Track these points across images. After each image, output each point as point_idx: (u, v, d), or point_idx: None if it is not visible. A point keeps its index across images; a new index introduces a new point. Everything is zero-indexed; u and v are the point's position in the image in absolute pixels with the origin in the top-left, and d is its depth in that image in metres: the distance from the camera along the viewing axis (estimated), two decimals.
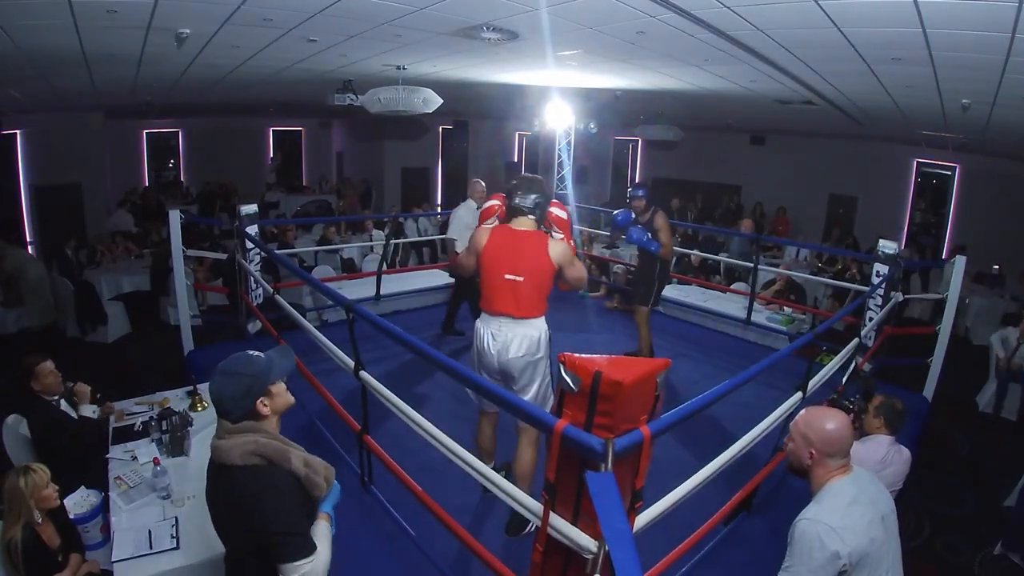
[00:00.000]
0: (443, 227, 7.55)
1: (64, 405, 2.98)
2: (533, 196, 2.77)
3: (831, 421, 1.67)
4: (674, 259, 5.82)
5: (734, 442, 2.40)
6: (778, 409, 2.71)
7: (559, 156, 7.86)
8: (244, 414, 1.53)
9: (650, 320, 4.77)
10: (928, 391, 4.55)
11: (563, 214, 2.89)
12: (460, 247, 5.14)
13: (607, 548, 1.35)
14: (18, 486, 2.14)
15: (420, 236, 9.26)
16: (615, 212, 4.72)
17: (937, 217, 9.56)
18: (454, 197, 11.91)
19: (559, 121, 7.60)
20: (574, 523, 1.71)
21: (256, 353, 1.59)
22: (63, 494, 2.35)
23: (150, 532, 2.29)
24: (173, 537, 2.28)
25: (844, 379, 3.62)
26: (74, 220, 9.12)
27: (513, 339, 2.68)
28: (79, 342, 6.12)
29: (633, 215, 4.60)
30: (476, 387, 2.21)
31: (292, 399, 1.63)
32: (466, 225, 5.18)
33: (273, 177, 12.18)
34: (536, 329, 2.72)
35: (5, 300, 6.25)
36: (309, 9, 3.31)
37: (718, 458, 2.26)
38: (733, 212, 10.97)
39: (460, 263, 2.94)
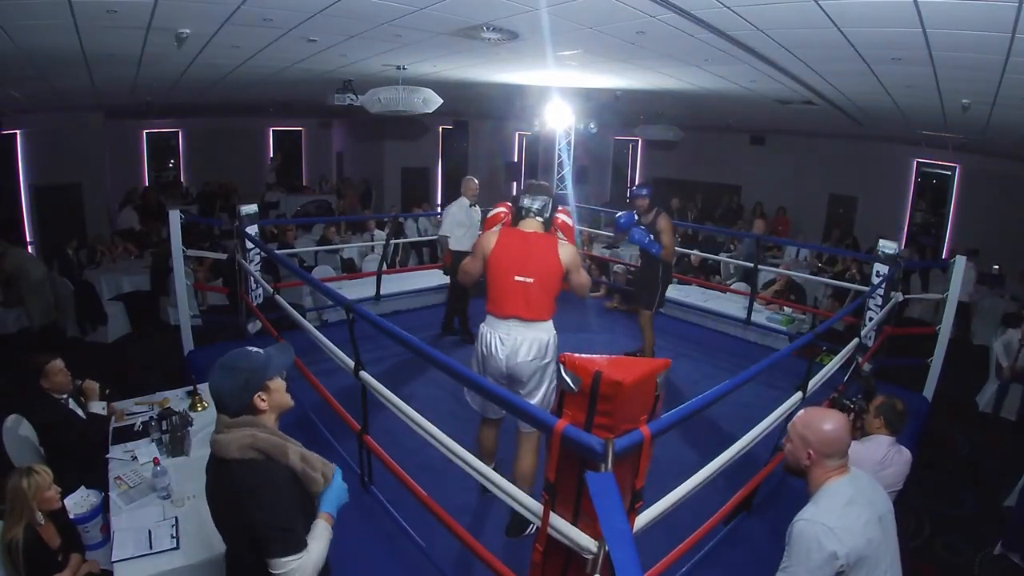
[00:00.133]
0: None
1: (71, 404, 2.98)
2: (542, 198, 2.79)
3: (829, 422, 1.67)
4: (675, 259, 5.82)
5: (734, 442, 2.40)
6: (778, 409, 2.71)
7: (559, 156, 7.87)
8: (242, 408, 1.54)
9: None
10: (928, 391, 4.55)
11: (570, 221, 2.91)
12: (453, 245, 5.15)
13: (607, 548, 1.36)
14: (21, 487, 2.14)
15: (420, 236, 9.26)
16: (618, 215, 4.71)
17: (937, 217, 9.56)
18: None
19: (559, 121, 7.61)
20: (574, 523, 1.71)
21: (255, 349, 1.61)
22: (63, 494, 2.35)
23: (150, 532, 2.29)
24: (173, 537, 2.28)
25: (845, 379, 3.62)
26: (74, 220, 9.11)
27: (522, 343, 2.66)
28: (79, 342, 6.13)
29: (636, 217, 4.59)
30: (477, 388, 2.20)
31: (290, 399, 1.64)
32: (458, 223, 5.18)
33: (273, 177, 12.18)
34: (546, 333, 2.71)
35: (5, 300, 6.25)
36: (309, 9, 3.31)
37: (718, 458, 2.26)
38: (734, 212, 10.97)
39: (465, 268, 2.89)
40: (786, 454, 1.74)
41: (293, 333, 4.02)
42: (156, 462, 2.63)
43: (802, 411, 1.77)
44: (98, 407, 3.05)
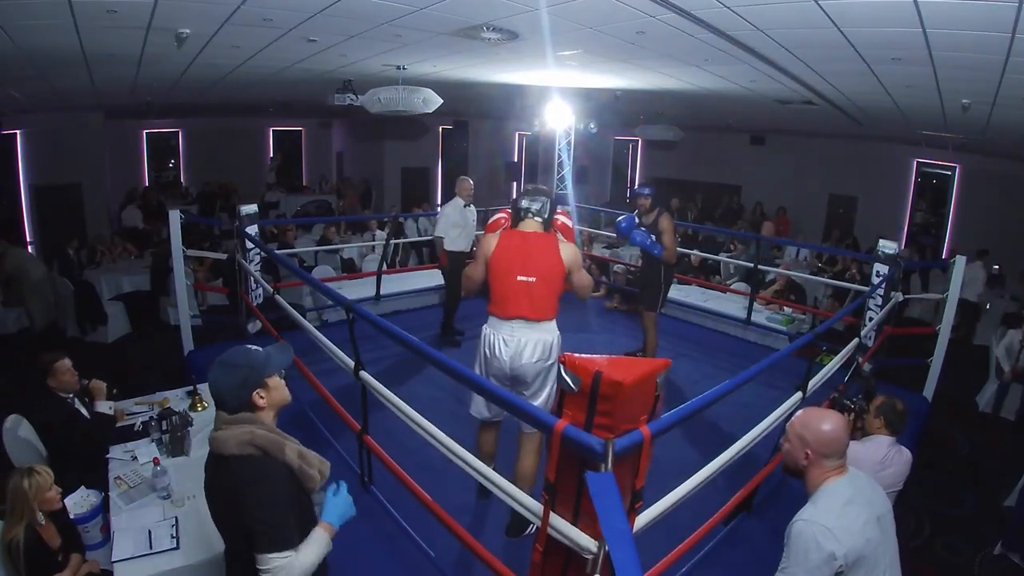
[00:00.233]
0: None
1: (76, 403, 2.98)
2: (540, 199, 2.80)
3: (827, 422, 1.67)
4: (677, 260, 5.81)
5: (734, 442, 2.40)
6: (778, 409, 2.71)
7: (559, 156, 7.87)
8: (240, 405, 1.55)
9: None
10: (928, 391, 4.55)
11: (569, 222, 2.93)
12: (448, 245, 5.14)
13: (607, 548, 1.36)
14: (22, 487, 2.14)
15: (420, 236, 9.26)
16: (619, 219, 4.70)
17: (937, 217, 9.56)
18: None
19: (559, 121, 7.60)
20: (574, 523, 1.71)
21: (255, 347, 1.62)
22: (64, 494, 2.35)
23: (150, 532, 2.30)
24: (173, 537, 2.28)
25: (846, 379, 3.62)
26: (74, 220, 9.12)
27: (527, 344, 2.65)
28: (79, 342, 6.12)
29: (637, 219, 4.58)
30: (477, 388, 2.20)
31: (289, 395, 1.65)
32: (453, 223, 5.16)
33: (273, 177, 12.18)
34: (549, 334, 2.71)
35: (6, 300, 6.25)
36: (309, 9, 3.30)
37: (718, 458, 2.26)
38: (734, 212, 10.96)
39: (468, 275, 2.88)
40: (784, 454, 1.74)
41: (293, 333, 4.02)
42: (156, 462, 2.63)
43: (800, 411, 1.77)
44: (105, 407, 3.06)
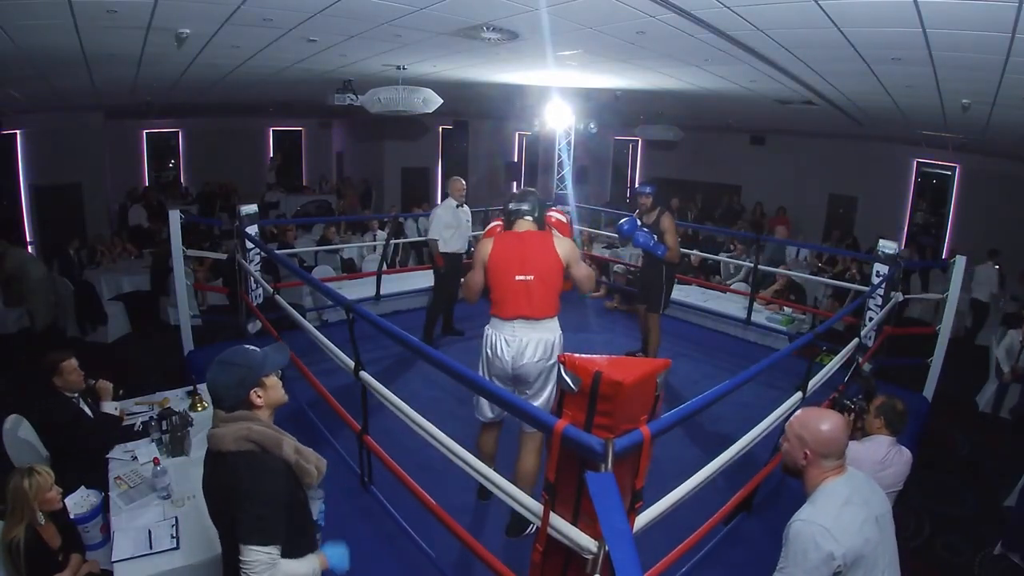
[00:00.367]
0: None
1: (81, 403, 2.98)
2: (529, 199, 2.83)
3: (826, 422, 1.67)
4: (683, 260, 5.81)
5: (734, 442, 2.39)
6: (778, 409, 2.70)
7: (559, 156, 7.86)
8: (238, 404, 1.58)
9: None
10: (928, 391, 4.55)
11: (562, 218, 2.94)
12: (442, 247, 5.12)
13: (607, 548, 1.36)
14: (22, 487, 2.14)
15: (420, 236, 9.25)
16: (620, 221, 4.69)
17: (937, 217, 9.56)
18: None
19: (559, 121, 7.60)
20: (574, 523, 1.71)
21: (252, 347, 1.66)
22: (64, 494, 2.35)
23: (150, 532, 2.30)
24: (173, 537, 2.28)
25: (846, 379, 3.62)
26: (74, 220, 9.12)
27: (528, 343, 2.66)
28: (79, 342, 6.12)
29: (638, 222, 4.57)
30: (477, 388, 2.20)
31: (285, 394, 1.68)
32: (445, 224, 5.12)
33: (273, 177, 12.18)
34: (551, 332, 2.72)
35: (6, 300, 6.26)
36: (309, 9, 3.31)
37: (718, 458, 2.26)
38: (735, 212, 10.96)
39: (468, 283, 2.89)
40: (783, 454, 1.74)
41: (293, 333, 4.02)
42: (156, 462, 2.63)
43: (799, 411, 1.77)
44: (110, 407, 3.07)
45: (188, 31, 3.72)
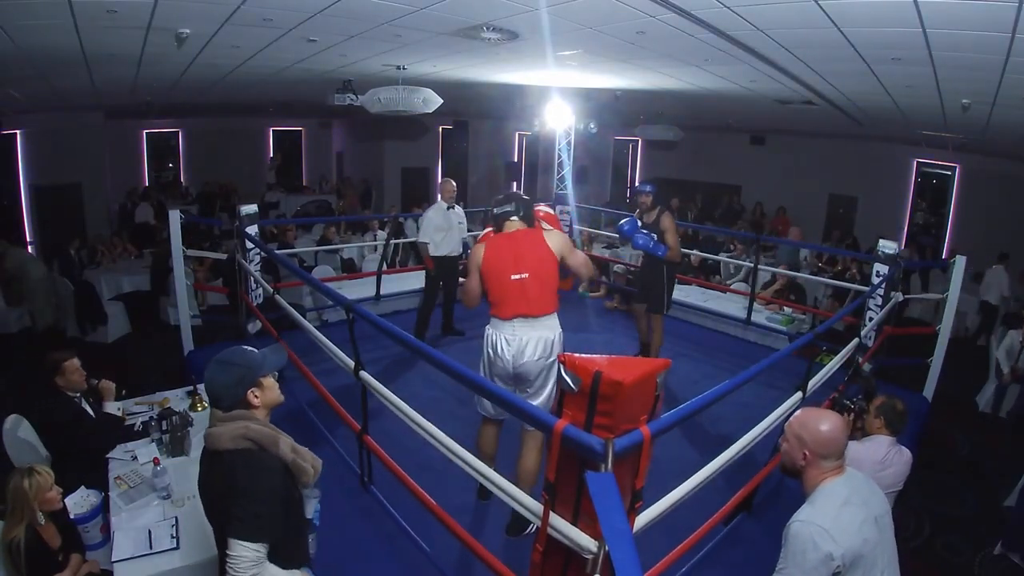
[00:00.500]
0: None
1: (83, 403, 2.98)
2: (513, 200, 2.86)
3: (825, 422, 1.67)
4: (683, 260, 5.79)
5: (734, 442, 2.39)
6: (778, 409, 2.70)
7: (559, 156, 7.85)
8: (235, 403, 1.60)
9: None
10: (928, 391, 4.55)
11: (549, 210, 2.99)
12: (433, 250, 5.10)
13: (607, 548, 1.36)
14: (22, 487, 2.14)
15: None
16: (620, 222, 4.69)
17: (937, 217, 9.56)
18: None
19: (559, 121, 7.60)
20: (574, 523, 1.71)
21: (250, 348, 1.69)
22: (64, 494, 2.35)
23: (150, 532, 2.30)
24: (173, 537, 2.28)
25: (846, 379, 3.62)
26: (74, 220, 9.13)
27: (528, 342, 2.67)
28: (79, 342, 6.12)
29: (638, 223, 4.57)
30: (476, 387, 2.20)
31: (281, 395, 1.71)
32: (436, 227, 5.08)
33: (273, 177, 12.19)
34: (551, 330, 2.73)
35: (7, 300, 6.26)
36: (309, 9, 3.31)
37: (718, 458, 2.26)
38: (735, 212, 10.96)
39: (466, 289, 2.90)
40: (782, 454, 1.75)
41: (293, 333, 4.02)
42: (156, 462, 2.63)
43: (798, 411, 1.77)
44: (113, 407, 3.07)
45: (188, 31, 3.72)
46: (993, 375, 5.46)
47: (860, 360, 3.99)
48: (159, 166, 11.88)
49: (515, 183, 13.34)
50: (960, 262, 4.48)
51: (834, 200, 10.45)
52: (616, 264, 7.36)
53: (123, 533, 2.30)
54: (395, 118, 7.40)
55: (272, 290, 4.24)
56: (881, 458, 2.53)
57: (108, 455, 2.82)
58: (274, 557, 1.55)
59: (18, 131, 8.56)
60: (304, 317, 4.09)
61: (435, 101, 5.56)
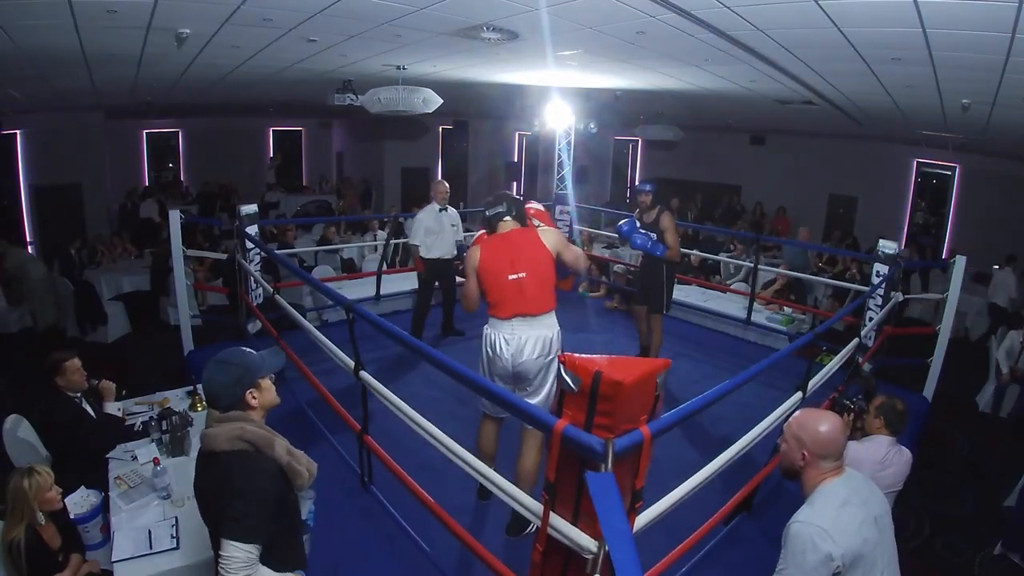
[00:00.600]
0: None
1: (84, 403, 2.98)
2: (504, 201, 2.86)
3: (824, 423, 1.67)
4: (683, 260, 5.78)
5: (734, 442, 2.39)
6: (778, 409, 2.70)
7: (559, 156, 7.85)
8: (233, 403, 1.61)
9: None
10: (928, 391, 4.55)
11: (539, 207, 3.02)
12: (423, 252, 5.08)
13: (607, 548, 1.36)
14: (22, 487, 2.14)
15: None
16: (620, 223, 4.68)
17: (937, 217, 9.56)
18: (454, 197, 11.87)
19: (559, 121, 7.60)
20: (574, 523, 1.71)
21: (248, 349, 1.69)
22: (64, 494, 2.35)
23: (150, 532, 2.30)
24: (173, 537, 2.28)
25: (846, 379, 3.62)
26: (74, 220, 9.12)
27: (527, 341, 2.68)
28: (79, 342, 6.12)
29: (637, 223, 4.56)
30: (476, 388, 2.20)
31: (278, 397, 1.72)
32: (427, 229, 5.05)
33: (273, 177, 12.19)
34: (549, 329, 2.73)
35: (8, 300, 6.26)
36: (309, 9, 3.31)
37: (718, 458, 2.26)
38: (735, 212, 10.96)
39: (464, 292, 2.90)
40: (781, 455, 1.75)
41: (293, 333, 4.02)
42: (156, 462, 2.63)
43: (797, 412, 1.77)
44: (113, 408, 3.07)
45: (188, 31, 3.72)
46: (993, 375, 5.46)
47: (860, 360, 3.99)
48: (159, 166, 11.88)
49: (515, 183, 13.34)
50: (960, 262, 4.47)
51: (834, 200, 10.45)
52: (616, 264, 7.37)
53: (123, 533, 2.30)
54: (395, 118, 7.40)
55: (272, 290, 4.24)
56: (881, 458, 2.53)
57: (108, 455, 2.82)
58: (268, 559, 1.55)
59: (18, 131, 8.56)
60: (304, 317, 4.09)
61: (435, 101, 5.56)
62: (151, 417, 3.04)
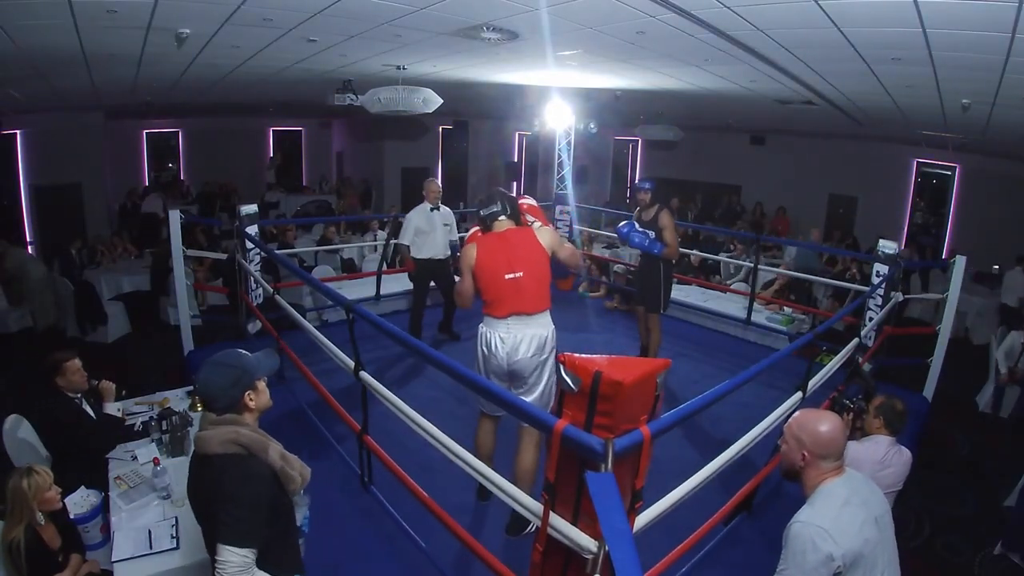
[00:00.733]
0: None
1: (84, 403, 2.98)
2: (498, 200, 2.86)
3: (824, 423, 1.67)
4: (682, 259, 5.77)
5: (734, 442, 2.40)
6: (778, 409, 2.71)
7: (559, 156, 7.86)
8: (230, 405, 1.60)
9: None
10: (928, 391, 4.55)
11: (532, 201, 3.03)
12: (414, 252, 5.03)
13: (607, 548, 1.36)
14: (21, 487, 2.14)
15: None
16: (619, 224, 4.68)
17: (937, 217, 9.56)
18: (454, 197, 11.89)
19: (559, 121, 7.60)
20: (574, 523, 1.71)
21: (243, 351, 1.69)
22: (64, 494, 2.35)
23: (150, 532, 2.30)
24: (173, 537, 2.28)
25: (846, 379, 3.62)
26: (74, 220, 9.12)
27: (522, 340, 2.69)
28: (79, 342, 6.12)
29: (636, 223, 4.56)
30: (476, 387, 2.20)
31: (271, 400, 1.71)
32: (417, 229, 4.98)
33: (273, 177, 12.19)
34: (544, 328, 2.74)
35: (7, 300, 6.26)
36: (309, 9, 3.30)
37: (718, 458, 2.26)
38: (735, 212, 10.96)
39: (459, 290, 2.90)
40: (781, 455, 1.75)
41: (293, 333, 4.02)
42: (156, 462, 2.63)
43: (797, 412, 1.77)
44: (113, 408, 3.07)
45: (188, 31, 3.72)
46: (992, 376, 5.45)
47: (860, 360, 3.99)
48: (159, 166, 11.87)
49: (515, 183, 13.34)
50: (960, 262, 4.47)
51: (834, 200, 10.45)
52: (616, 264, 7.37)
53: (123, 533, 2.30)
54: (395, 118, 7.40)
55: (272, 290, 4.24)
56: (881, 458, 2.53)
57: (108, 455, 2.81)
58: (264, 563, 1.55)
59: (18, 131, 8.56)
60: (304, 317, 4.09)
61: (435, 101, 5.56)
62: (151, 417, 3.04)
